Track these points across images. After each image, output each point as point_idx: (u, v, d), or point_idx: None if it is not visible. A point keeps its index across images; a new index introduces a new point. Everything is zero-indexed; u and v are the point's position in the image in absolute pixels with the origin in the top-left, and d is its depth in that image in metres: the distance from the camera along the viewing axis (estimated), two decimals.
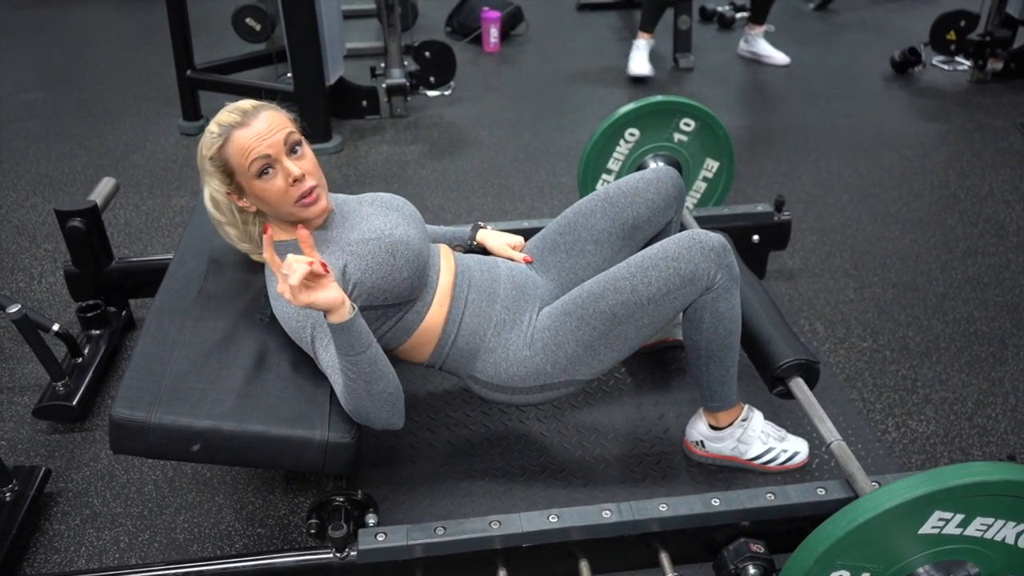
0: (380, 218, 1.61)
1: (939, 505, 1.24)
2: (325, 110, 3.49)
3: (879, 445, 1.89)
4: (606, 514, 1.46)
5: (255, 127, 1.47)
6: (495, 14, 4.64)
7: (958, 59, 4.29)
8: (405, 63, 3.80)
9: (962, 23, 4.14)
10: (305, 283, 1.28)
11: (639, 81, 4.17)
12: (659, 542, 1.49)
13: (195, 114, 3.69)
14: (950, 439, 1.96)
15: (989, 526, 1.28)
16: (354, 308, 1.35)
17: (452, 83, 3.98)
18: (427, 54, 3.85)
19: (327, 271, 1.30)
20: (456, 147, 3.55)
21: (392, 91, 3.77)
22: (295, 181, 1.48)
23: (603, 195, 1.84)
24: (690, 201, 2.56)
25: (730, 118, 3.68)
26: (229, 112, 1.50)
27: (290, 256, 1.28)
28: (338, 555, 1.44)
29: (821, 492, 1.49)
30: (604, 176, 2.53)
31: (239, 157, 1.47)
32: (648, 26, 4.15)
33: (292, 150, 1.50)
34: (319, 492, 1.68)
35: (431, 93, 3.97)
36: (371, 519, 1.52)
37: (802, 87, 4.14)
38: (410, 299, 1.59)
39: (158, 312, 1.64)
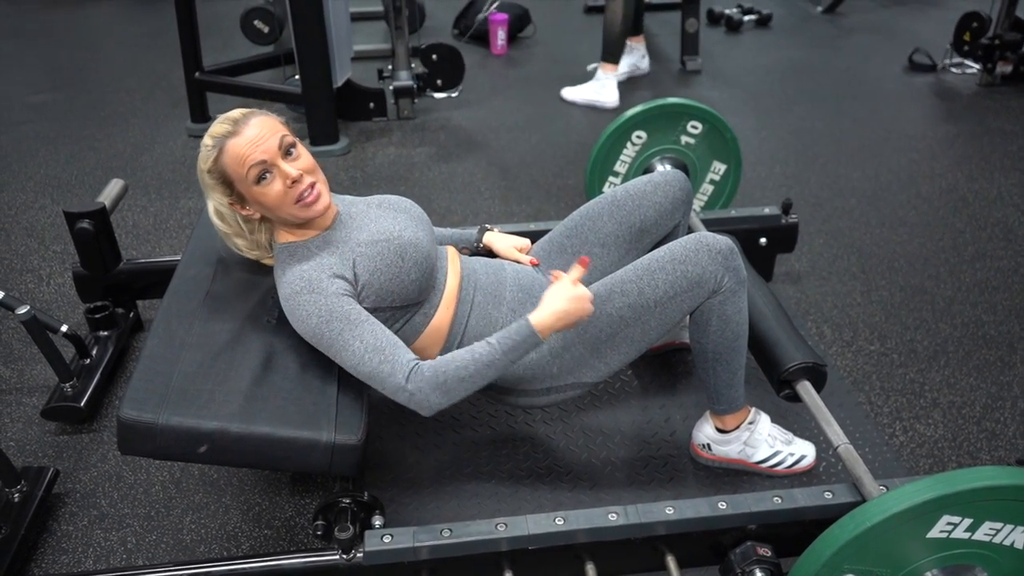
0: (389, 220, 1.61)
1: (947, 509, 1.23)
2: (332, 112, 3.50)
3: (887, 449, 1.88)
4: (612, 517, 1.46)
5: (247, 134, 1.47)
6: (502, 16, 4.65)
7: (967, 62, 4.28)
8: (412, 65, 3.81)
9: (974, 25, 4.12)
10: None
11: (644, 84, 4.17)
12: (665, 545, 1.49)
13: (203, 116, 3.70)
14: (958, 443, 1.96)
15: (998, 531, 1.28)
16: None
17: (460, 86, 3.97)
18: (434, 56, 3.86)
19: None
20: (463, 149, 3.56)
21: (399, 93, 3.78)
22: (293, 182, 1.48)
23: (610, 198, 1.84)
24: (697, 204, 2.56)
25: (737, 121, 3.67)
26: (220, 123, 1.50)
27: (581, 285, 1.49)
28: (344, 557, 1.44)
29: (828, 496, 1.49)
30: (611, 179, 2.53)
31: (236, 166, 1.47)
32: (614, 57, 3.92)
33: (287, 152, 1.50)
34: (325, 494, 1.68)
35: (438, 95, 3.97)
36: (377, 521, 1.52)
37: (810, 90, 4.13)
38: (418, 301, 1.59)
39: (166, 313, 1.65)
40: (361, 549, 1.44)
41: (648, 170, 2.47)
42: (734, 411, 1.74)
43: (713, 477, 1.79)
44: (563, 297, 1.48)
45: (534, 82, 4.31)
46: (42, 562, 1.70)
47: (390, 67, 3.82)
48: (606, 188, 2.53)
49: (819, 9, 5.39)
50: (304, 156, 1.53)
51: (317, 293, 1.46)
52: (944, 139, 3.56)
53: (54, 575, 1.66)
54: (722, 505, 1.48)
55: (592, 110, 3.93)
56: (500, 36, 4.67)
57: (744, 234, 2.34)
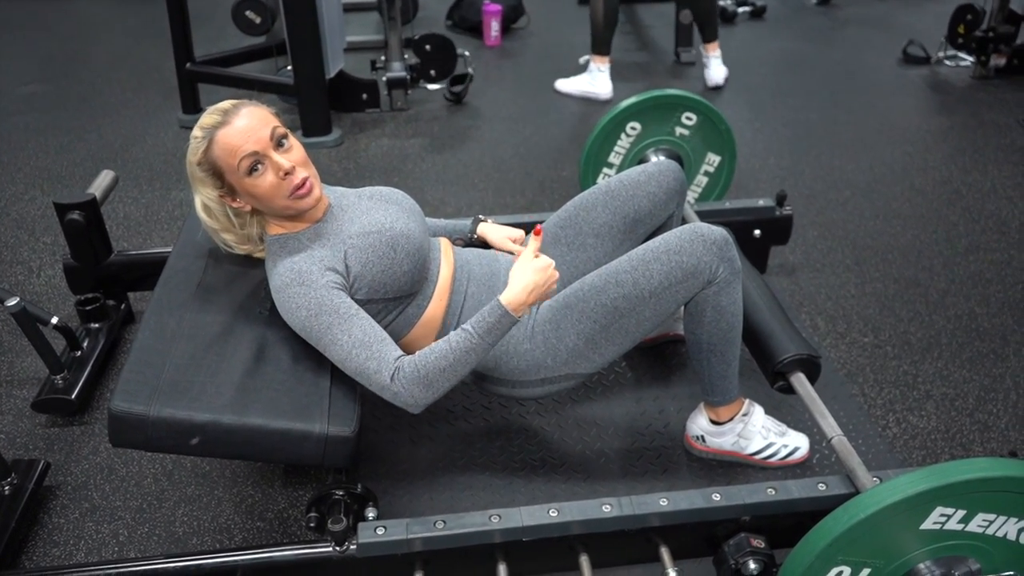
0: (380, 212, 1.60)
1: (941, 501, 1.24)
2: (325, 103, 3.48)
3: (880, 441, 1.88)
4: (606, 508, 1.46)
5: (237, 125, 1.45)
6: (496, 8, 4.63)
7: (961, 55, 4.28)
8: (405, 56, 3.79)
9: (968, 17, 4.12)
10: None
11: (638, 75, 4.15)
12: (659, 536, 1.49)
13: (195, 107, 3.68)
14: (951, 435, 1.96)
15: (991, 522, 1.28)
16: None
17: (463, 86, 3.93)
18: (427, 47, 3.84)
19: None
20: (456, 141, 3.54)
21: (392, 84, 3.76)
22: (286, 175, 1.47)
23: (604, 188, 1.83)
24: (691, 195, 2.55)
25: (731, 112, 3.67)
26: (209, 114, 1.48)
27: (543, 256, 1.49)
28: (337, 548, 1.44)
29: (822, 487, 1.49)
30: (605, 170, 2.52)
31: (227, 157, 1.46)
32: (603, 49, 3.86)
33: (279, 144, 1.48)
34: (318, 486, 1.67)
35: (431, 87, 3.95)
36: (371, 513, 1.51)
37: (804, 82, 4.13)
38: (410, 292, 1.58)
39: (157, 305, 1.64)
40: (354, 541, 1.44)
41: (642, 161, 2.47)
42: (728, 403, 1.74)
43: (707, 469, 1.79)
44: (528, 270, 1.47)
45: (528, 73, 4.29)
46: (33, 555, 1.69)
47: (383, 58, 3.81)
48: (600, 180, 2.53)
49: (813, 1, 5.38)
50: (296, 148, 1.51)
51: (307, 286, 1.45)
52: (938, 132, 3.57)
53: (45, 568, 1.65)
54: (716, 497, 1.48)
55: (586, 101, 3.92)
56: (494, 27, 4.65)
57: (738, 226, 2.34)
